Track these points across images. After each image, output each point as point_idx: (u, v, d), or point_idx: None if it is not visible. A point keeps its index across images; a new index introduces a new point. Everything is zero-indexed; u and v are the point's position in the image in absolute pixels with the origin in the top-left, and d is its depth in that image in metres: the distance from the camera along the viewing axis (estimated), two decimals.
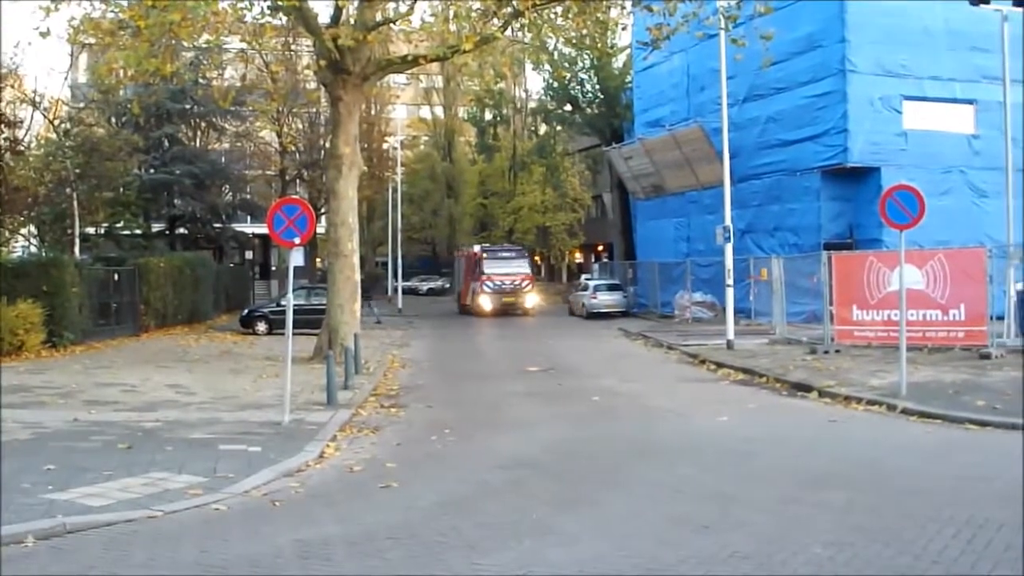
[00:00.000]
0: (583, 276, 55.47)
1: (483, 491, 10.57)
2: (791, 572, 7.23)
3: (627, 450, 12.91)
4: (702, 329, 32.99)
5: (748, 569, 7.31)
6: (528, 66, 61.32)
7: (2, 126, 32.95)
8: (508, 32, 25.13)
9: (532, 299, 46.83)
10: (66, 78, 39.08)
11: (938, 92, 33.67)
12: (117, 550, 8.26)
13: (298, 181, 58.01)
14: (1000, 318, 22.46)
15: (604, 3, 26.01)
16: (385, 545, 8.29)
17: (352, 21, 24.31)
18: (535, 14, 23.67)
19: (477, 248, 49.31)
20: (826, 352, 23.61)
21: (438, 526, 8.91)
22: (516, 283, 45.94)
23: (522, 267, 47.13)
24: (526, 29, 25.55)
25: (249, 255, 59.24)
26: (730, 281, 27.44)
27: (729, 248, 27.42)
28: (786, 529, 8.45)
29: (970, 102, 33.83)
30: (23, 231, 37.71)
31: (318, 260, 56.62)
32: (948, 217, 29.36)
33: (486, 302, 45.37)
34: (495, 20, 23.69)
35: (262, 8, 24.75)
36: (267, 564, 7.80)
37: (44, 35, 21.27)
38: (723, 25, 24.22)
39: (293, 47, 44.71)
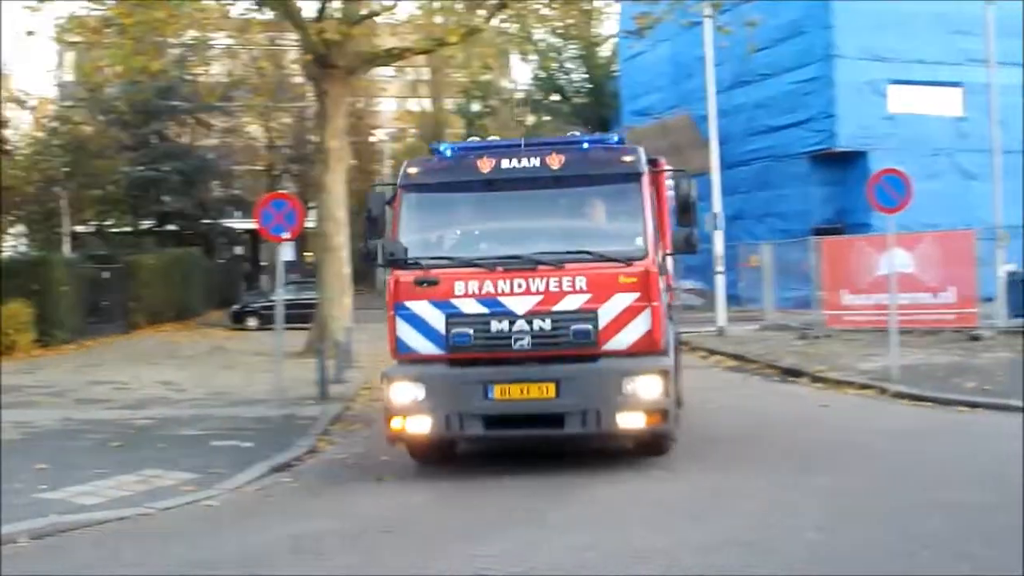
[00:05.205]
0: None
1: (476, 482, 10.58)
2: (784, 557, 7.25)
3: None
4: (692, 316, 32.82)
5: (741, 555, 7.33)
6: (515, 57, 61.24)
7: None
8: (493, 23, 25.05)
9: (655, 385, 9.71)
10: (53, 77, 39.00)
11: (924, 75, 33.69)
12: (109, 548, 8.26)
13: (286, 176, 57.92)
14: (990, 300, 22.53)
15: None
16: (379, 539, 8.30)
17: (338, 15, 24.25)
18: (520, 4, 23.61)
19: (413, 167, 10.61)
20: (817, 337, 23.64)
21: (432, 518, 8.92)
22: (579, 306, 9.64)
23: (625, 223, 10.10)
24: (511, 20, 25.45)
25: (239, 250, 59.05)
26: (720, 268, 27.43)
27: (719, 235, 27.43)
28: (778, 515, 8.47)
29: (956, 85, 33.87)
30: (12, 230, 37.60)
31: (307, 254, 56.52)
32: (937, 200, 29.40)
33: (408, 410, 9.87)
34: (480, 11, 23.65)
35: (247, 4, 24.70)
36: (259, 560, 7.79)
37: (30, 34, 21.20)
38: (708, 12, 24.19)
39: (279, 42, 44.56)
